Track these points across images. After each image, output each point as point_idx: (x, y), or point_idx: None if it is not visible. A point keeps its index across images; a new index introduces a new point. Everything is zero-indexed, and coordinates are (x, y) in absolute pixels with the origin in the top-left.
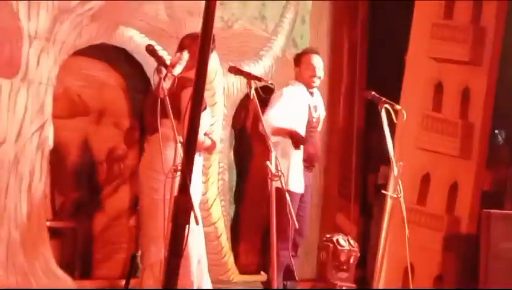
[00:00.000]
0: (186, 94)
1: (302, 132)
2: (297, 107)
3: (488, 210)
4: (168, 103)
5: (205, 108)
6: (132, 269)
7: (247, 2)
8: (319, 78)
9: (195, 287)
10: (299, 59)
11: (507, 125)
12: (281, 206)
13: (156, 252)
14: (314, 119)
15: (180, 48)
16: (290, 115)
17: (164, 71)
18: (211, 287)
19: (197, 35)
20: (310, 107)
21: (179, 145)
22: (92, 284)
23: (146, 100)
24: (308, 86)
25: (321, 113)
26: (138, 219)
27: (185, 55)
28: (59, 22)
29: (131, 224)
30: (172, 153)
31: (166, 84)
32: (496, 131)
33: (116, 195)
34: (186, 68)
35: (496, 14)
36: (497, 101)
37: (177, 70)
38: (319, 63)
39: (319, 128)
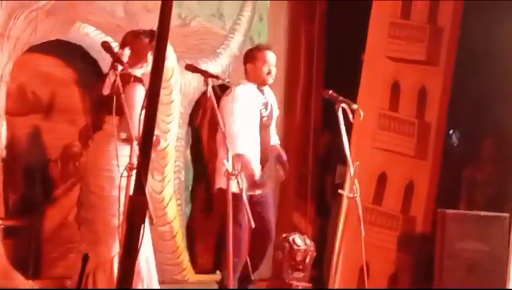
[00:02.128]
0: (129, 90)
1: (256, 164)
2: (251, 109)
3: (443, 210)
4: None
5: (141, 82)
6: (84, 269)
7: None
8: (273, 75)
9: (145, 287)
10: (254, 55)
11: (462, 126)
12: (237, 207)
13: (107, 251)
14: (265, 118)
15: (122, 45)
16: (244, 119)
17: (120, 68)
18: (158, 287)
19: (138, 32)
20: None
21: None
22: (45, 284)
23: (90, 97)
24: (263, 83)
25: (274, 110)
26: (81, 217)
27: (127, 51)
28: (13, 18)
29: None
30: (115, 150)
31: (110, 80)
32: (451, 131)
33: (70, 193)
34: (128, 65)
35: (453, 14)
36: (452, 101)
37: (119, 67)
38: (273, 60)
39: (273, 125)
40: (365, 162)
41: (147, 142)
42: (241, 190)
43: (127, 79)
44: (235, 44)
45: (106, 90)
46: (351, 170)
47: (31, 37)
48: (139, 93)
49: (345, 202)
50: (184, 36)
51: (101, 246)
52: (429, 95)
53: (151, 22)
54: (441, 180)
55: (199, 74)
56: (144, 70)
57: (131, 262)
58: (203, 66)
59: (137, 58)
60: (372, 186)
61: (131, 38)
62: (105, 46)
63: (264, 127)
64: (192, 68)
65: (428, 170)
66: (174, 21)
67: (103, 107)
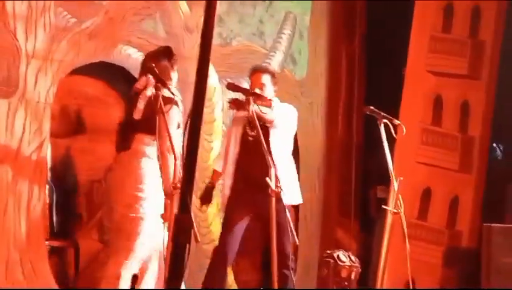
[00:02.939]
0: (169, 111)
1: None
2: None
3: (489, 224)
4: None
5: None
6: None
7: (245, 18)
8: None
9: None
10: (249, 78)
11: (505, 139)
12: (281, 222)
13: (114, 266)
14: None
15: (144, 71)
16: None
17: (163, 90)
18: None
19: (156, 54)
20: None
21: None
22: None
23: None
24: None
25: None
26: (103, 234)
27: (151, 78)
28: (57, 41)
29: None
30: (145, 170)
31: (141, 105)
32: (494, 144)
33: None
34: (157, 88)
35: (494, 27)
36: (496, 115)
37: (149, 93)
38: (263, 80)
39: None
40: (409, 178)
41: (190, 162)
42: (284, 207)
43: (165, 101)
44: (276, 62)
45: (138, 114)
46: (395, 185)
47: (74, 59)
48: (176, 114)
49: (389, 217)
50: (225, 55)
51: (111, 260)
52: (472, 108)
53: (192, 42)
54: (486, 193)
55: (241, 93)
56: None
57: (178, 281)
58: (245, 85)
59: (161, 80)
60: (417, 202)
61: (151, 63)
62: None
63: (247, 144)
64: (233, 87)
65: (473, 183)
66: (215, 40)
67: (132, 127)
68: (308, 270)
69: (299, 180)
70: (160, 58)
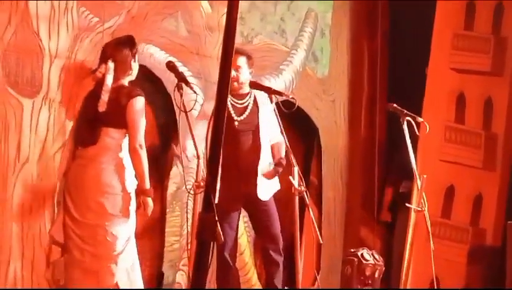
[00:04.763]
0: (134, 103)
1: None
2: None
3: None
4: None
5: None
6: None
7: (266, 16)
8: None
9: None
10: None
11: None
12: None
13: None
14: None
15: (103, 58)
16: None
17: (184, 87)
18: None
19: (116, 43)
20: None
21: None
22: None
23: (80, 113)
24: (234, 91)
25: (259, 114)
26: (72, 234)
27: (111, 64)
28: (79, 41)
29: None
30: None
31: (105, 97)
32: None
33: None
34: (117, 77)
35: None
36: None
37: (109, 81)
38: (239, 63)
39: (263, 129)
40: (432, 175)
41: (214, 161)
42: (307, 205)
43: (130, 92)
44: (298, 60)
45: (102, 106)
46: (418, 183)
47: (96, 59)
48: (143, 104)
49: (412, 216)
50: None
51: (99, 265)
52: (495, 105)
53: (214, 41)
54: (510, 191)
55: (263, 91)
56: (130, 78)
57: (202, 279)
58: (267, 83)
59: (122, 69)
60: (440, 200)
61: (111, 51)
62: (170, 65)
63: (235, 133)
64: (255, 85)
65: (497, 181)
66: (237, 39)
67: (97, 120)
68: (332, 269)
69: (322, 178)
70: (121, 47)
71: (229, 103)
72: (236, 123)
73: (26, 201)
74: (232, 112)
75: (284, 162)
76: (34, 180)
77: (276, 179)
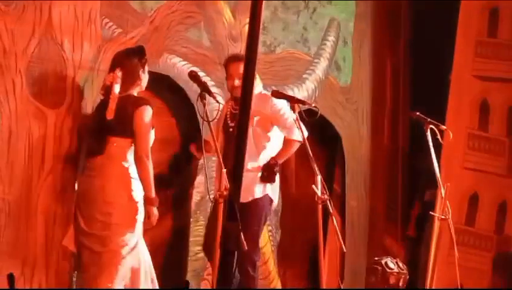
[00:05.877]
0: (141, 113)
1: None
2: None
3: None
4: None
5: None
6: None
7: (289, 25)
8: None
9: None
10: (225, 68)
11: None
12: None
13: (106, 279)
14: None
15: (113, 67)
16: None
17: (207, 97)
18: None
19: (126, 52)
20: None
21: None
22: None
23: (83, 123)
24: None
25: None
26: (81, 244)
27: (119, 73)
28: (103, 51)
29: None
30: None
31: (112, 105)
32: None
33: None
34: (125, 87)
35: None
36: None
37: (116, 89)
38: (238, 71)
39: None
40: (456, 183)
41: (238, 170)
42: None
43: (136, 101)
44: (321, 69)
45: (110, 114)
46: (442, 191)
47: None
48: (150, 114)
49: (436, 224)
50: (269, 63)
51: (103, 273)
52: None
53: (236, 51)
54: None
55: (286, 100)
56: (138, 89)
57: (227, 287)
58: (290, 92)
59: (130, 78)
60: (464, 207)
61: (120, 60)
62: (193, 75)
63: (228, 135)
64: (278, 94)
65: None
66: (260, 48)
67: (105, 130)
68: (356, 278)
69: (345, 187)
70: (130, 57)
71: (228, 110)
72: (230, 129)
73: (50, 211)
74: (228, 118)
75: (273, 162)
76: (58, 191)
77: (261, 185)
